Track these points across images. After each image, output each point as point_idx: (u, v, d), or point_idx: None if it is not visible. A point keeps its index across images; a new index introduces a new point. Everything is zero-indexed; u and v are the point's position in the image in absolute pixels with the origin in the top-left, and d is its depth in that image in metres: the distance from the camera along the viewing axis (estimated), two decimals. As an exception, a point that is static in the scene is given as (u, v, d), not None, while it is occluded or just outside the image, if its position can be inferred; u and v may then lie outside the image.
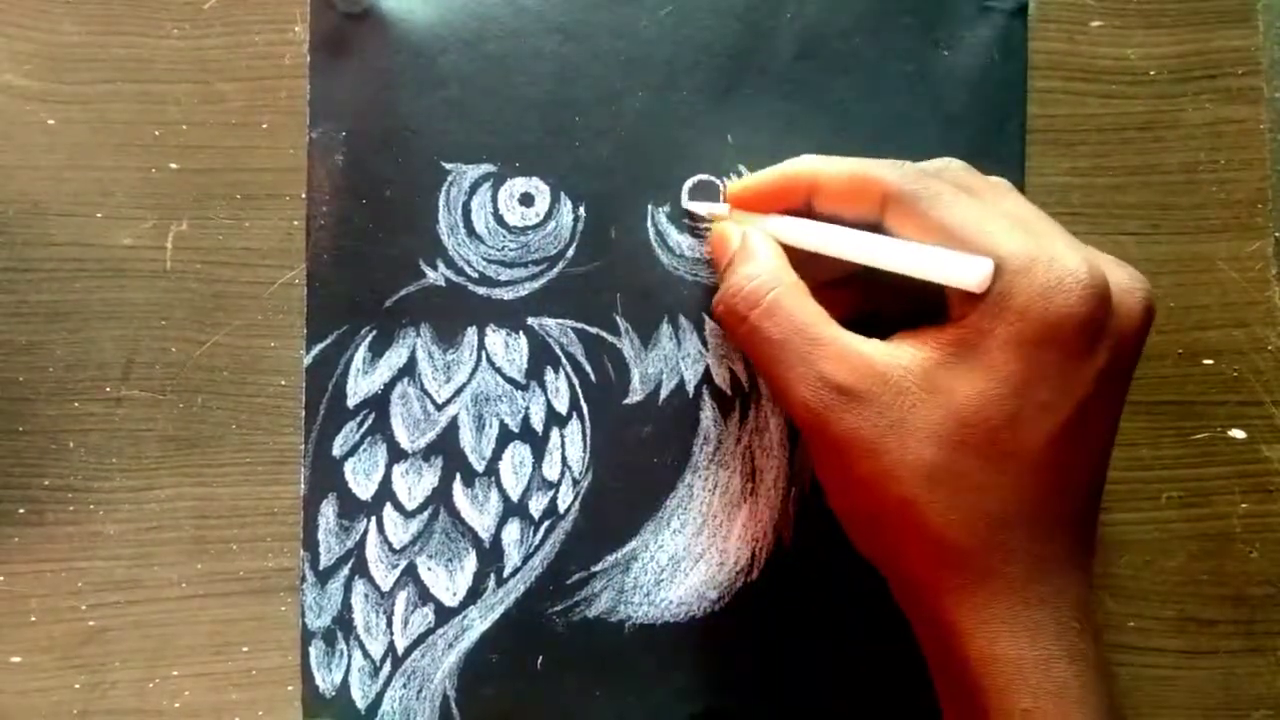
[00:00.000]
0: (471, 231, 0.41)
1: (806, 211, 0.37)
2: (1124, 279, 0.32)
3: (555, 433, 0.41)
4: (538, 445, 0.41)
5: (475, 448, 0.41)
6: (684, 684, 0.41)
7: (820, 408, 0.32)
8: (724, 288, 0.36)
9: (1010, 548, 0.32)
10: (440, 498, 0.41)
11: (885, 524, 0.33)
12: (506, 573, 0.41)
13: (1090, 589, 0.33)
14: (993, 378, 0.31)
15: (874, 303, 0.37)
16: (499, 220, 0.41)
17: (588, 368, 0.41)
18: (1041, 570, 0.32)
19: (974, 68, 0.42)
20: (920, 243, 0.33)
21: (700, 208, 0.41)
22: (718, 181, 0.41)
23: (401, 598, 0.41)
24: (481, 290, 0.41)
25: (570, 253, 0.41)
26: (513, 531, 0.41)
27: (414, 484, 0.41)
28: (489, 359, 0.41)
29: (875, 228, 0.35)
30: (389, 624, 0.41)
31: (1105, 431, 0.33)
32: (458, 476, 0.41)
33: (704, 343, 0.41)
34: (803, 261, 0.36)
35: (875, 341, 0.33)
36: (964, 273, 0.32)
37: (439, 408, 0.41)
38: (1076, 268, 0.30)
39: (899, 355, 0.32)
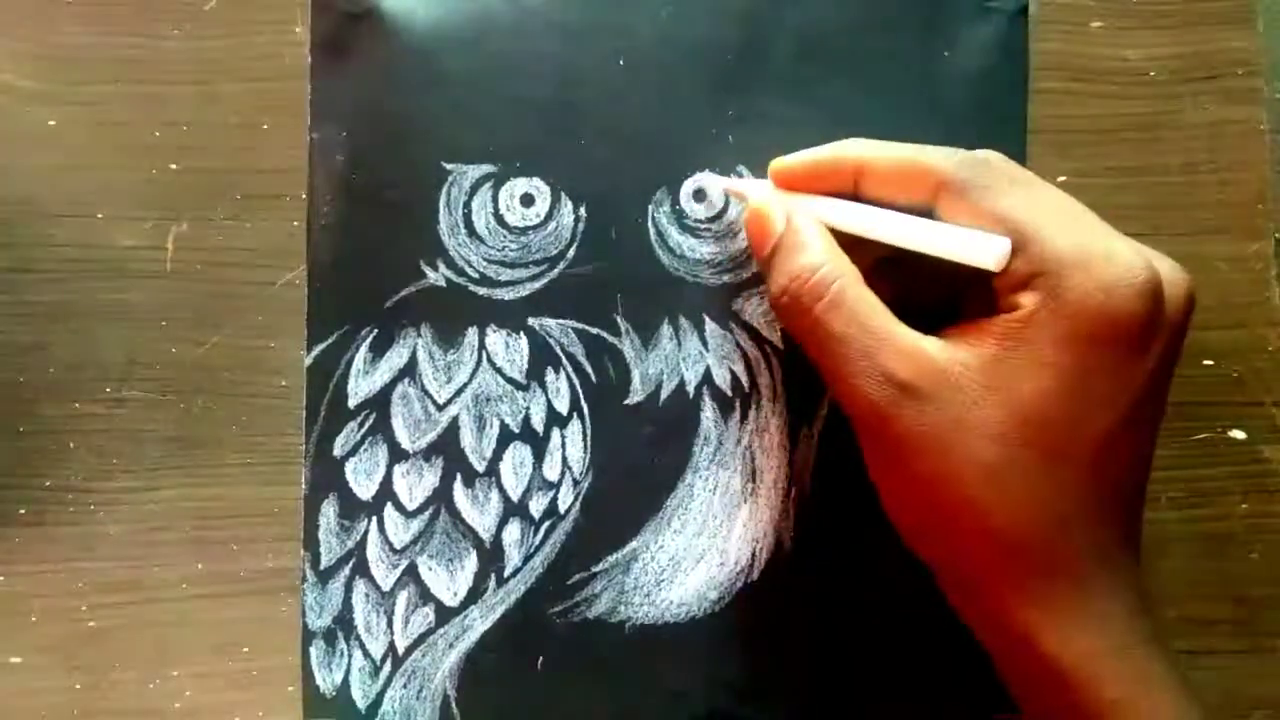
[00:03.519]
0: (472, 232, 0.41)
1: (850, 197, 0.36)
2: (1168, 271, 0.32)
3: (556, 433, 0.41)
4: (538, 445, 0.41)
5: (476, 448, 0.41)
6: (684, 684, 0.41)
7: (884, 404, 0.32)
8: (785, 277, 0.35)
9: (1074, 542, 0.32)
10: (441, 498, 0.41)
11: (946, 524, 0.33)
12: (507, 573, 0.41)
13: (1142, 574, 0.33)
14: (1051, 374, 0.31)
15: (907, 291, 0.37)
16: (500, 221, 0.41)
17: (588, 368, 0.41)
18: (1103, 561, 0.32)
19: (974, 68, 0.42)
20: (941, 224, 0.33)
21: (742, 185, 0.40)
22: (718, 180, 0.41)
23: (402, 598, 0.41)
24: (482, 291, 0.41)
25: (571, 253, 0.41)
26: (513, 532, 0.41)
27: (415, 484, 0.41)
28: (489, 359, 0.41)
29: (923, 215, 0.34)
30: (389, 624, 0.41)
31: (1155, 423, 0.33)
32: (458, 477, 0.41)
33: (704, 343, 0.41)
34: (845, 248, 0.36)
35: (933, 338, 0.33)
36: (982, 252, 0.32)
37: (440, 408, 0.41)
38: (1134, 263, 0.30)
39: (957, 351, 0.32)
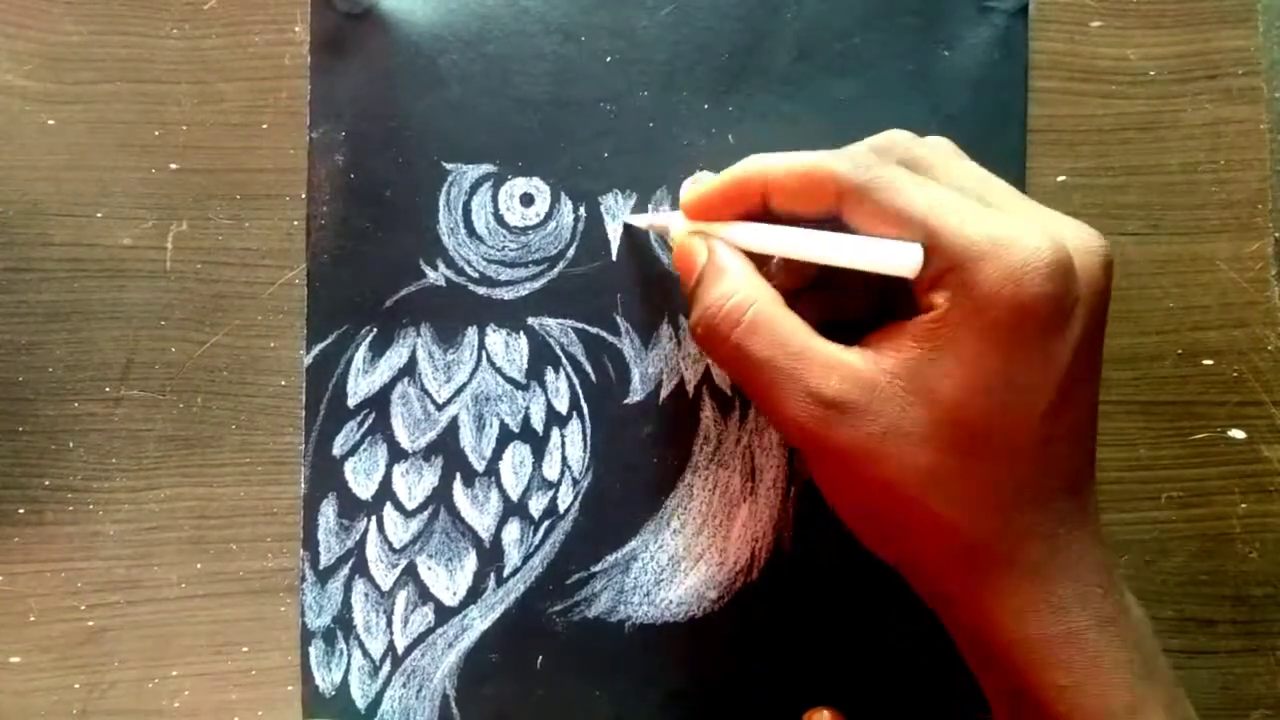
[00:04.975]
0: (472, 231, 0.41)
1: (764, 215, 0.35)
2: (1081, 241, 0.32)
3: (555, 432, 0.41)
4: (538, 445, 0.41)
5: (475, 447, 0.41)
6: (684, 684, 0.41)
7: (812, 423, 0.32)
8: (700, 308, 0.34)
9: (1021, 531, 0.31)
10: (440, 497, 0.41)
11: (895, 526, 0.33)
12: (506, 572, 0.41)
13: (1105, 546, 0.33)
14: (973, 370, 0.30)
15: (840, 306, 0.37)
16: (499, 220, 0.41)
17: (588, 368, 0.41)
18: (1054, 545, 0.32)
19: (974, 68, 0.42)
20: (856, 234, 0.33)
21: (649, 219, 0.40)
22: (641, 218, 0.41)
23: (401, 597, 0.41)
24: (482, 290, 0.41)
25: (570, 253, 0.41)
26: (513, 531, 0.41)
27: (414, 484, 0.41)
28: (489, 359, 0.41)
29: (836, 223, 0.34)
30: (389, 623, 0.41)
31: (1090, 396, 0.33)
32: (458, 476, 0.41)
33: (704, 343, 0.41)
34: (769, 272, 0.36)
35: (855, 349, 0.32)
36: (896, 259, 0.31)
37: (439, 407, 0.41)
38: (1039, 245, 0.30)
39: (881, 360, 0.31)
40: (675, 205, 0.41)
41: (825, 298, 0.37)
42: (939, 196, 0.32)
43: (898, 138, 0.34)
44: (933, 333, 0.31)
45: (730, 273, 0.34)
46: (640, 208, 0.41)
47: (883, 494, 0.32)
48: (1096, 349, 0.33)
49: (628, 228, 0.41)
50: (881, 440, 0.31)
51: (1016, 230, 0.30)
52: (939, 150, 0.34)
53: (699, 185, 0.36)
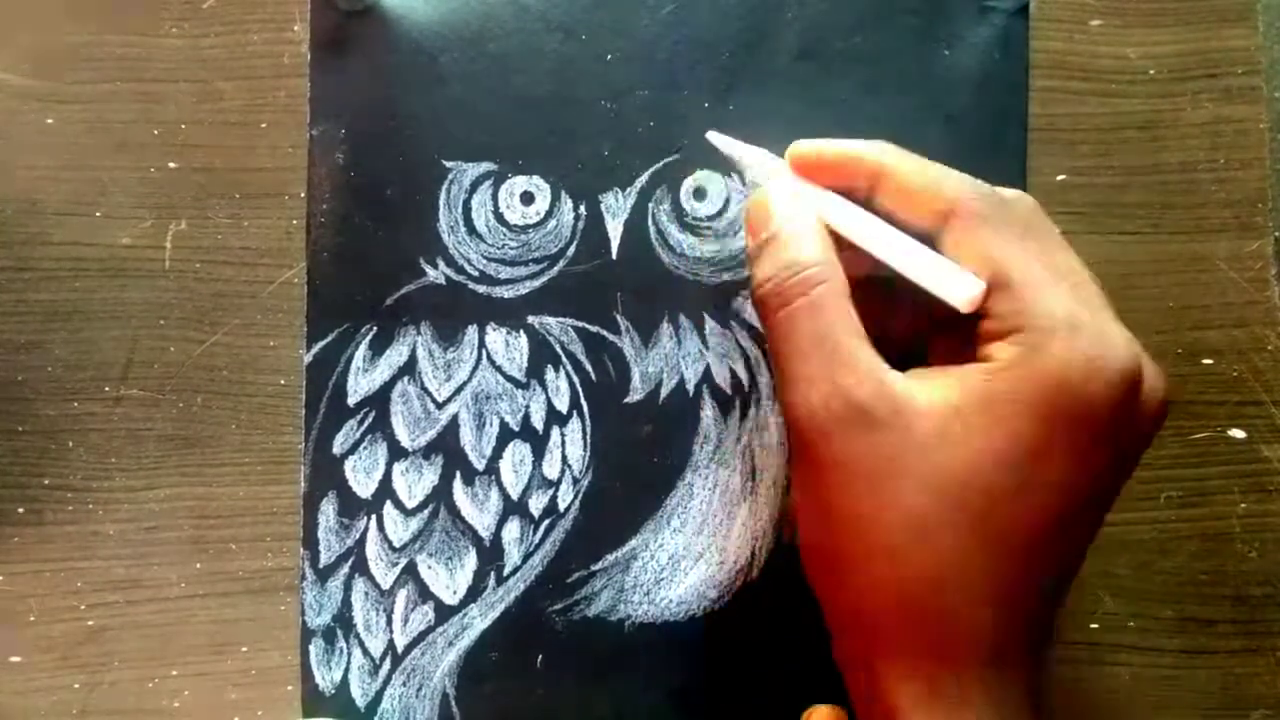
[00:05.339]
0: (472, 230, 0.41)
1: (862, 200, 0.34)
2: (1151, 372, 0.30)
3: (555, 431, 0.41)
4: (538, 444, 0.41)
5: (475, 446, 0.41)
6: (684, 684, 0.41)
7: (828, 420, 0.30)
8: (772, 265, 0.33)
9: (977, 629, 0.30)
10: (440, 496, 0.41)
11: (854, 568, 0.31)
12: (506, 571, 0.41)
13: (1046, 674, 0.32)
14: (1008, 439, 0.29)
15: (884, 322, 0.35)
16: (499, 219, 0.41)
17: (588, 366, 0.41)
18: (996, 658, 0.30)
19: (975, 67, 0.42)
20: (929, 250, 0.32)
21: (738, 148, 0.37)
22: (719, 178, 0.41)
23: (401, 596, 0.41)
24: (482, 289, 0.41)
25: (571, 251, 0.41)
26: (513, 530, 0.41)
27: (414, 482, 0.41)
28: (489, 357, 0.41)
29: (931, 239, 0.32)
30: (389, 622, 0.40)
31: (1096, 523, 0.31)
32: (458, 475, 0.41)
33: (704, 341, 0.41)
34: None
35: (897, 372, 0.31)
36: (956, 288, 0.30)
37: (439, 406, 0.41)
38: (1124, 346, 0.29)
39: (920, 390, 0.30)
40: (674, 205, 0.41)
41: (875, 306, 0.35)
42: (1044, 259, 0.30)
43: (1025, 200, 0.33)
44: (982, 384, 0.29)
45: (811, 244, 0.32)
46: (640, 207, 0.41)
47: (860, 525, 0.30)
48: (1122, 481, 0.31)
49: (628, 226, 0.41)
50: (884, 466, 0.29)
51: (1105, 326, 0.29)
52: (1057, 233, 0.33)
53: (816, 142, 0.34)
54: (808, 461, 0.32)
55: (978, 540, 0.29)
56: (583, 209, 0.41)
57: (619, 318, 0.41)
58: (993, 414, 0.29)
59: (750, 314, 0.41)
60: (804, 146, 0.34)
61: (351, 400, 0.41)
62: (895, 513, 0.29)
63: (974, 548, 0.29)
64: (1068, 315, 0.29)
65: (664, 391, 0.41)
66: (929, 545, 0.29)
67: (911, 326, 0.34)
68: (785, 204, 0.34)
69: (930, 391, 0.30)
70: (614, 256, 0.41)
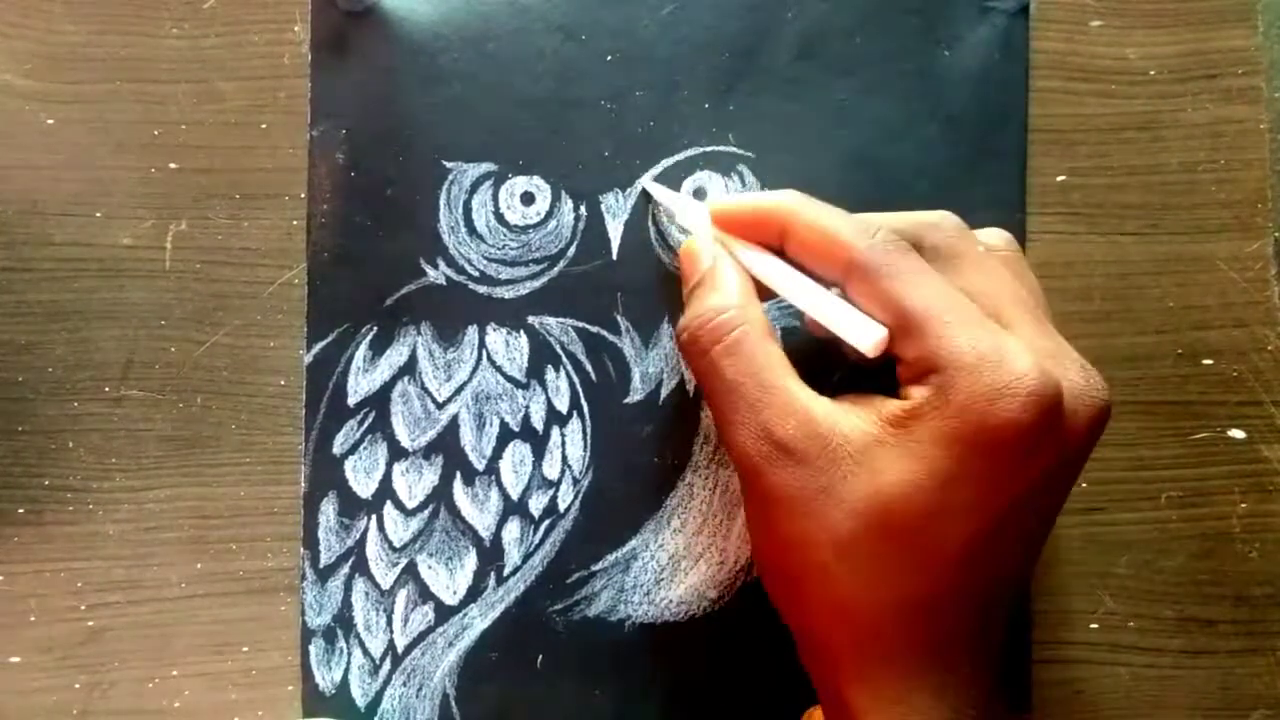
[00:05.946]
0: (472, 230, 0.41)
1: (778, 250, 0.35)
2: (1079, 385, 0.31)
3: (556, 431, 0.41)
4: (538, 444, 0.41)
5: (476, 446, 0.41)
6: (684, 684, 0.41)
7: (758, 458, 0.32)
8: (690, 313, 0.35)
9: (913, 634, 0.31)
10: (440, 496, 0.41)
11: (800, 587, 0.33)
12: (506, 571, 0.41)
13: (995, 677, 0.33)
14: (923, 469, 0.30)
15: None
16: (500, 219, 0.41)
17: (588, 367, 0.41)
18: (942, 661, 0.32)
19: (975, 67, 0.42)
20: (833, 298, 0.33)
21: (669, 197, 0.40)
22: (719, 178, 0.41)
23: (402, 596, 0.41)
24: (482, 289, 0.41)
25: (571, 251, 0.41)
26: (513, 530, 0.41)
27: (414, 482, 0.41)
28: (489, 358, 0.41)
29: (841, 288, 0.34)
30: (389, 622, 0.40)
31: (1033, 531, 0.33)
32: (458, 475, 0.41)
33: (704, 342, 0.41)
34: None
35: (825, 401, 0.32)
36: (859, 334, 0.32)
37: (439, 406, 0.41)
38: (1025, 372, 0.29)
39: (841, 421, 0.32)
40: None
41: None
42: (940, 297, 0.31)
43: (945, 223, 0.34)
44: (898, 420, 0.31)
45: (729, 289, 0.34)
46: (641, 208, 0.41)
47: (798, 549, 0.32)
48: (1058, 491, 0.33)
49: (628, 226, 0.41)
50: (814, 495, 0.31)
51: (1008, 352, 0.30)
52: (982, 257, 0.34)
53: (731, 198, 0.37)
54: (749, 494, 0.34)
55: (902, 559, 0.31)
56: (583, 209, 0.41)
57: (619, 318, 0.41)
58: (908, 448, 0.30)
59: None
60: (718, 204, 0.36)
61: (352, 400, 0.41)
62: (824, 535, 0.31)
63: (894, 568, 0.31)
64: (970, 350, 0.30)
65: (664, 392, 0.41)
66: (851, 564, 0.31)
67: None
68: (708, 252, 0.36)
69: (854, 420, 0.32)
70: (614, 257, 0.41)
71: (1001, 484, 0.30)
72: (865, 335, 0.32)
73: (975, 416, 0.29)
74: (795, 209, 0.34)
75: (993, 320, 0.31)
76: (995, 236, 0.35)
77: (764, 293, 0.35)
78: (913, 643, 0.31)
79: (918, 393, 0.31)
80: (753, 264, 0.35)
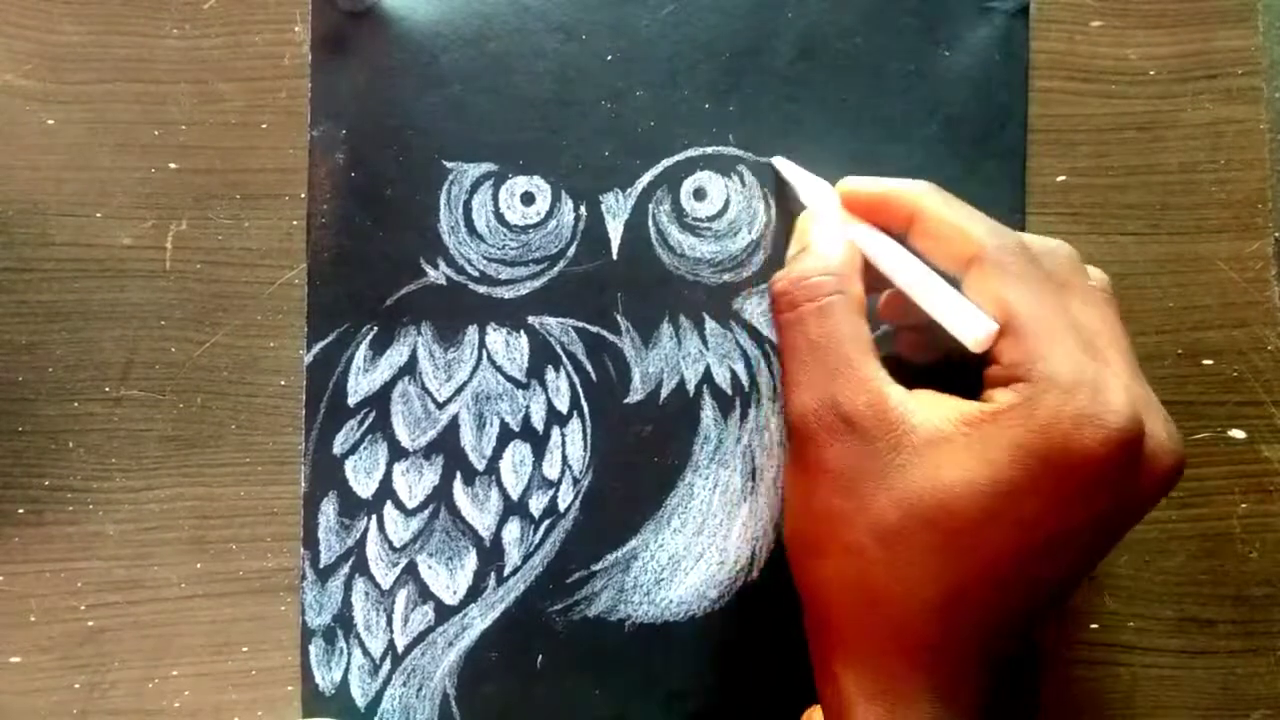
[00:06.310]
0: (472, 230, 0.41)
1: (901, 238, 0.35)
2: (1162, 435, 0.31)
3: (556, 431, 0.41)
4: (538, 444, 0.41)
5: (476, 446, 0.41)
6: (684, 684, 0.41)
7: (816, 424, 0.32)
8: (792, 267, 0.35)
9: (923, 634, 0.31)
10: (441, 496, 0.41)
11: (825, 560, 0.33)
12: (507, 571, 0.41)
13: (993, 700, 0.32)
14: (988, 473, 0.30)
15: (939, 360, 0.37)
16: (500, 219, 0.41)
17: (588, 367, 0.41)
18: (947, 666, 0.31)
19: (975, 67, 0.42)
20: (948, 288, 0.33)
21: (800, 176, 0.40)
22: (719, 178, 0.41)
23: (402, 596, 0.41)
24: (482, 289, 0.41)
25: (571, 252, 0.41)
26: (513, 530, 0.41)
27: (414, 482, 0.41)
28: (490, 358, 0.41)
29: (957, 282, 0.34)
30: (389, 622, 0.40)
31: (1075, 566, 0.32)
32: (458, 475, 0.41)
33: (705, 342, 0.41)
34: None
35: (901, 388, 0.32)
36: (967, 327, 0.32)
37: (440, 406, 0.41)
38: (1118, 408, 0.29)
39: (913, 409, 0.31)
40: (674, 205, 0.41)
41: (922, 342, 0.38)
42: (1053, 313, 0.31)
43: (1060, 251, 0.34)
44: (975, 420, 0.30)
45: (836, 256, 0.35)
46: (641, 208, 0.41)
47: (834, 523, 0.32)
48: (1112, 536, 0.32)
49: (628, 226, 0.41)
50: (865, 476, 0.31)
51: (1105, 384, 0.30)
52: (1090, 288, 0.34)
53: (862, 180, 0.36)
54: (797, 458, 0.34)
55: (938, 559, 0.31)
56: (583, 209, 0.41)
57: (619, 318, 0.41)
58: (977, 449, 0.30)
59: (750, 314, 0.41)
60: (850, 183, 0.36)
61: (352, 400, 0.41)
62: (865, 516, 0.31)
63: (933, 564, 0.31)
64: (1071, 371, 0.30)
65: (664, 392, 0.41)
66: (890, 552, 0.31)
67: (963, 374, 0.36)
68: (823, 224, 0.36)
69: (927, 413, 0.31)
70: (614, 257, 0.41)
71: (1063, 509, 0.30)
72: (977, 327, 0.31)
73: (1058, 436, 0.29)
74: (930, 196, 0.35)
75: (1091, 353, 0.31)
76: (1097, 277, 0.35)
77: (872, 287, 0.35)
78: (922, 643, 0.31)
79: (1003, 398, 0.30)
80: (871, 243, 0.35)
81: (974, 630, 0.31)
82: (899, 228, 0.35)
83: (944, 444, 0.31)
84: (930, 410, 0.31)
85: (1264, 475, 0.43)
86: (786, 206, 0.42)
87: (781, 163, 0.41)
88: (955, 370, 0.33)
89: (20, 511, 0.40)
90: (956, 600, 0.31)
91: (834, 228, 0.36)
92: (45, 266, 0.41)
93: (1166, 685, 0.42)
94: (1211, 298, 0.43)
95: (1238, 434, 0.43)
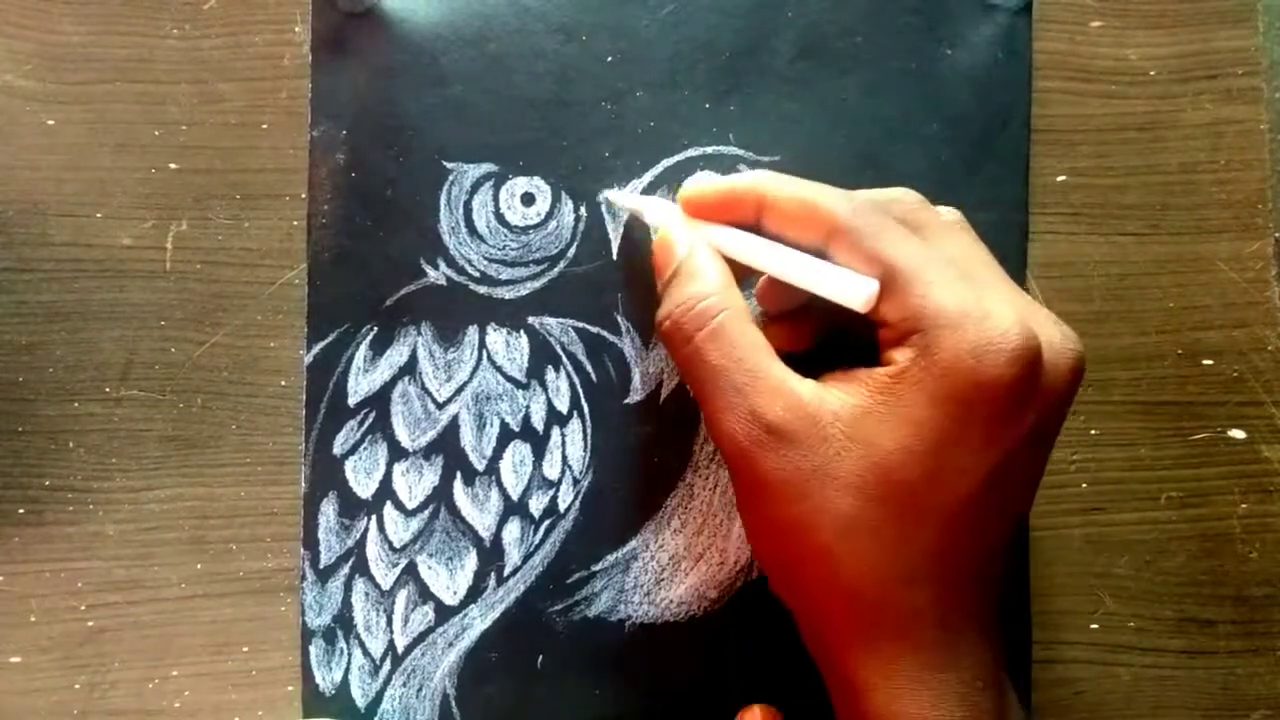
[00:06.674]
0: (473, 231, 0.41)
1: (754, 229, 0.35)
2: (1056, 338, 0.32)
3: (556, 432, 0.41)
4: (538, 444, 0.41)
5: (476, 447, 0.41)
6: (684, 684, 0.41)
7: (748, 444, 0.32)
8: (670, 302, 0.34)
9: (918, 607, 0.31)
10: (441, 496, 0.41)
11: (801, 570, 0.33)
12: (507, 572, 0.41)
13: (999, 644, 0.33)
14: (915, 433, 0.30)
15: (823, 338, 0.37)
16: (500, 219, 0.41)
17: (588, 367, 0.41)
18: (948, 631, 0.32)
19: (977, 66, 0.42)
20: (820, 261, 0.33)
21: (631, 200, 0.40)
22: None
23: (402, 596, 0.41)
24: (482, 289, 0.41)
25: (571, 252, 0.41)
26: (513, 530, 0.41)
27: (414, 483, 0.41)
28: (490, 358, 0.41)
29: (821, 255, 0.34)
30: (389, 622, 0.40)
31: (1023, 491, 0.33)
32: (458, 475, 0.41)
33: (704, 342, 0.41)
34: (766, 293, 0.37)
35: (809, 381, 0.32)
36: (850, 291, 0.32)
37: (440, 406, 0.41)
38: (1009, 328, 0.30)
39: (828, 399, 0.32)
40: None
41: (802, 329, 0.37)
42: (922, 256, 0.32)
43: (905, 197, 0.35)
44: (886, 387, 0.31)
45: (707, 275, 0.34)
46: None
47: (796, 533, 0.32)
48: (1043, 448, 0.33)
49: (628, 226, 0.41)
50: (808, 477, 0.31)
51: (990, 308, 0.30)
52: (945, 223, 0.34)
53: (700, 183, 0.36)
54: (740, 482, 0.34)
55: (902, 528, 0.31)
56: (583, 210, 0.41)
57: (619, 318, 0.41)
58: (897, 413, 0.31)
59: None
60: (688, 188, 0.36)
61: (352, 401, 0.41)
62: (824, 516, 0.31)
63: (900, 536, 0.31)
64: (954, 307, 0.30)
65: (664, 392, 0.41)
66: (858, 541, 0.31)
67: (861, 342, 0.36)
68: (682, 241, 0.36)
69: (842, 396, 0.32)
70: (614, 257, 0.41)
71: (993, 439, 0.30)
72: (860, 289, 0.32)
73: (963, 373, 0.30)
74: (771, 181, 0.35)
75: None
76: (947, 212, 0.35)
77: (739, 276, 0.35)
78: (919, 614, 0.31)
79: (902, 355, 0.31)
80: (730, 242, 0.35)
81: (959, 586, 0.32)
82: (750, 220, 0.35)
83: (866, 419, 0.31)
84: (844, 392, 0.32)
85: (1264, 475, 0.43)
86: (633, 238, 0.41)
87: (613, 194, 0.41)
88: (848, 349, 0.34)
89: (20, 511, 0.40)
90: (932, 562, 0.31)
91: (693, 241, 0.35)
92: (45, 266, 0.41)
93: (1166, 685, 0.42)
94: (1211, 298, 0.43)
95: (1238, 434, 0.43)
